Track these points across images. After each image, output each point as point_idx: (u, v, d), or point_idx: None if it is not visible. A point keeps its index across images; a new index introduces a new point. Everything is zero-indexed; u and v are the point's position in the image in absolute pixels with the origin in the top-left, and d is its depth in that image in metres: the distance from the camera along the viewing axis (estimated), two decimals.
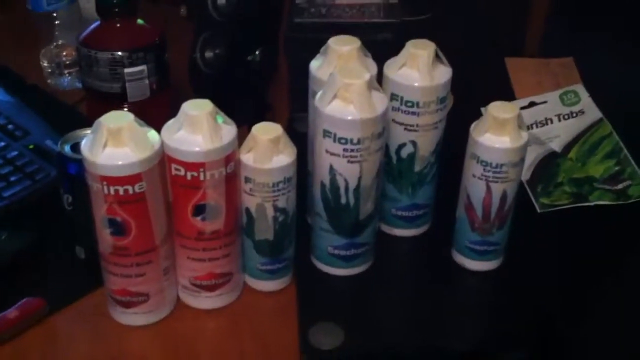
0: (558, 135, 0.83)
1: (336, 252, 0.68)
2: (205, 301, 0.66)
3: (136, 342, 0.64)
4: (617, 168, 0.80)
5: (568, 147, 0.82)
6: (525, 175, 0.79)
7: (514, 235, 0.69)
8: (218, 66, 0.83)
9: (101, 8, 0.77)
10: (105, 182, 0.57)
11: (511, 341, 0.65)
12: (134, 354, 0.64)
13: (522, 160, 0.66)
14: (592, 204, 0.77)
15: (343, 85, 0.61)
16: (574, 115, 0.85)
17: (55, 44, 0.92)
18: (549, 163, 0.81)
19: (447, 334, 0.65)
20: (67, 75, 0.93)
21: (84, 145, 0.58)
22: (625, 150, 0.81)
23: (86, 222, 0.62)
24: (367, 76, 0.61)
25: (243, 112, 0.68)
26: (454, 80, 0.67)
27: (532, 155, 0.81)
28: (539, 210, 0.76)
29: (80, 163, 0.60)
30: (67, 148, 0.65)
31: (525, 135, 0.65)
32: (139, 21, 0.79)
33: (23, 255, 0.68)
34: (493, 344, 0.65)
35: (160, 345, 0.64)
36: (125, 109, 0.77)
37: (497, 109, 0.64)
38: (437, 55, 0.66)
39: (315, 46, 0.69)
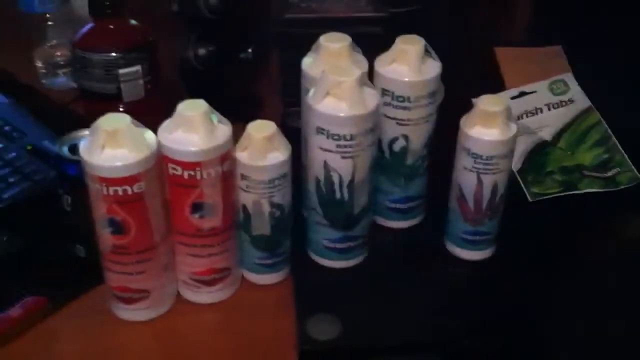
0: (548, 124, 0.84)
1: (331, 245, 0.69)
2: (205, 296, 0.67)
3: (137, 337, 0.65)
4: (606, 156, 0.81)
5: (558, 136, 0.83)
6: (517, 165, 0.80)
7: (506, 225, 0.70)
8: (211, 63, 0.84)
9: (94, 8, 0.78)
10: (104, 183, 0.58)
11: (499, 328, 0.67)
12: (135, 348, 0.65)
13: (512, 151, 0.67)
14: (582, 191, 0.78)
15: (334, 83, 0.62)
16: (563, 104, 0.86)
17: (49, 44, 0.93)
18: (540, 152, 0.82)
19: (442, 323, 0.66)
20: (61, 75, 0.93)
21: (82, 147, 0.59)
22: (614, 138, 0.82)
23: (86, 222, 0.62)
24: (357, 73, 0.62)
25: (236, 109, 0.69)
26: (445, 73, 0.68)
27: (523, 145, 0.82)
28: (530, 200, 0.78)
29: (78, 164, 0.60)
30: (64, 149, 0.66)
31: (514, 127, 0.66)
32: (131, 21, 0.79)
33: (24, 255, 0.69)
34: (484, 330, 0.67)
35: (161, 340, 0.65)
36: (121, 110, 0.78)
37: (486, 102, 0.65)
38: (426, 50, 0.67)
39: (305, 41, 0.70)
